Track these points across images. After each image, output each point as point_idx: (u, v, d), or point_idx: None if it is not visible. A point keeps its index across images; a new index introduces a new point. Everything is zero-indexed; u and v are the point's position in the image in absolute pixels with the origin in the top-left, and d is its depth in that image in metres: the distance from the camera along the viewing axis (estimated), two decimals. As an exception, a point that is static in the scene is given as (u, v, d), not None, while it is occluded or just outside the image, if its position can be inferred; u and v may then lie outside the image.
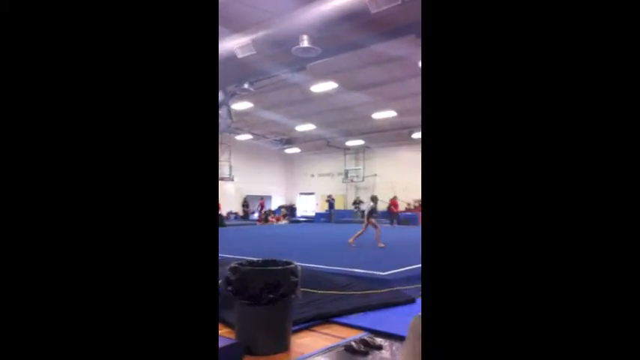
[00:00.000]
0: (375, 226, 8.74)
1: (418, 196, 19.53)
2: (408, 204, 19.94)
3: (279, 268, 2.93)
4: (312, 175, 25.17)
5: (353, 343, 3.01)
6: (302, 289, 3.07)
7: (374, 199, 9.35)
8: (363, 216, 9.15)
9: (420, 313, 0.50)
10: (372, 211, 9.08)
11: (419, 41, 9.58)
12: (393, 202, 17.58)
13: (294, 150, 23.39)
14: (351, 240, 8.77)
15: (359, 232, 8.86)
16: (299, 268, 3.02)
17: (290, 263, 3.05)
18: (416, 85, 12.80)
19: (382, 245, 8.43)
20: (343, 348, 2.99)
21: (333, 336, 3.26)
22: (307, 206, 25.08)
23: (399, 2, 6.19)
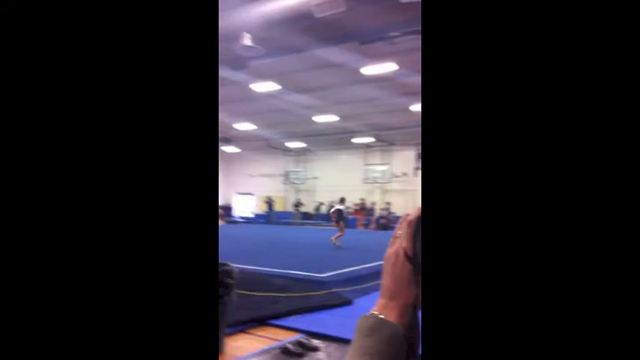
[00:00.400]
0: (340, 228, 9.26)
1: (356, 199, 19.90)
2: (348, 207, 20.32)
3: (215, 269, 2.85)
4: (252, 176, 24.88)
5: (289, 345, 2.99)
6: (238, 291, 3.00)
7: (343, 200, 9.98)
8: (339, 217, 9.71)
9: (366, 314, 0.50)
10: (341, 212, 9.53)
11: (362, 48, 9.80)
12: None
13: (233, 149, 22.98)
14: (334, 239, 9.14)
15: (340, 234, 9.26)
16: (235, 269, 2.96)
17: (226, 265, 2.98)
18: (358, 91, 13.09)
19: (336, 242, 8.90)
20: (279, 350, 2.96)
21: (268, 338, 3.23)
22: (245, 207, 24.72)
23: (344, 9, 6.30)
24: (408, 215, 0.52)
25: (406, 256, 0.50)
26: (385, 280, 0.52)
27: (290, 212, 21.75)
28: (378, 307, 0.50)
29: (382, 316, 0.48)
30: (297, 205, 20.92)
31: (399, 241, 0.52)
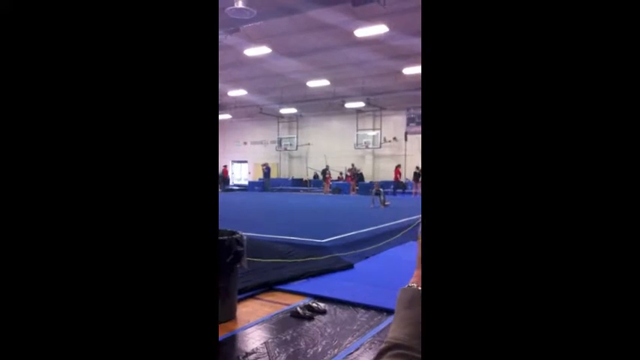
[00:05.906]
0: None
1: (348, 165, 19.86)
2: (340, 173, 20.32)
3: (226, 237, 2.88)
4: (245, 143, 24.69)
5: (298, 309, 3.09)
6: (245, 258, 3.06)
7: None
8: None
9: (405, 287, 0.52)
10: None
11: (355, 10, 9.55)
12: (397, 171, 17.63)
13: (225, 116, 22.65)
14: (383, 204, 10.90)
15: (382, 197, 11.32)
16: (244, 237, 3.00)
17: (235, 233, 3.02)
18: (349, 54, 12.85)
19: (388, 203, 10.83)
20: (289, 314, 3.06)
21: (277, 303, 3.32)
22: (240, 174, 24.70)
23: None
24: None
25: None
26: (420, 252, 0.53)
27: (285, 178, 21.74)
28: (415, 277, 0.53)
29: (420, 288, 0.51)
30: (316, 176, 20.70)
31: None
